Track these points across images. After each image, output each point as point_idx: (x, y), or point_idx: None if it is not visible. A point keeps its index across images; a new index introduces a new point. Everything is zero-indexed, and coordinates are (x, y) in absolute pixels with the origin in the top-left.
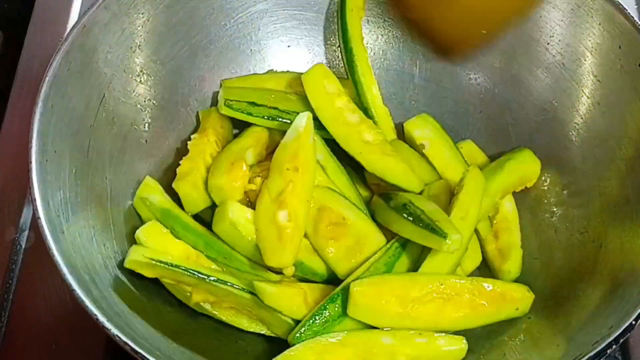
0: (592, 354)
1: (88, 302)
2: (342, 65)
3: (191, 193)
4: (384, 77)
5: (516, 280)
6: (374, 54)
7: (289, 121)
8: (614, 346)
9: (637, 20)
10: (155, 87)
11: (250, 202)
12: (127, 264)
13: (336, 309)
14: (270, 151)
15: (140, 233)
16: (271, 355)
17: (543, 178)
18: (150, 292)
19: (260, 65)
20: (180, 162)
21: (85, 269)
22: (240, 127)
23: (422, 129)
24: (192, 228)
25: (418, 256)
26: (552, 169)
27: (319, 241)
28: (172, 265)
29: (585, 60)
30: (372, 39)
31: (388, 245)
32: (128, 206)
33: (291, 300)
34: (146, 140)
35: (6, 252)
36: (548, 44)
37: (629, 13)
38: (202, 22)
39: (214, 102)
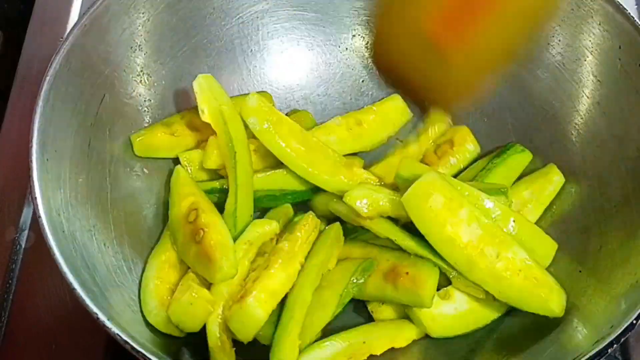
0: (592, 353)
1: (88, 301)
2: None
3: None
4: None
5: None
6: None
7: None
8: (614, 345)
9: (637, 20)
10: (155, 87)
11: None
12: None
13: None
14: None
15: None
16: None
17: None
18: None
19: (260, 65)
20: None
21: (85, 268)
22: None
23: None
24: None
25: None
26: None
27: None
28: None
29: (585, 60)
30: (372, 39)
31: None
32: (128, 206)
33: None
34: None
35: (6, 252)
36: (548, 44)
37: (628, 13)
38: (203, 22)
39: None
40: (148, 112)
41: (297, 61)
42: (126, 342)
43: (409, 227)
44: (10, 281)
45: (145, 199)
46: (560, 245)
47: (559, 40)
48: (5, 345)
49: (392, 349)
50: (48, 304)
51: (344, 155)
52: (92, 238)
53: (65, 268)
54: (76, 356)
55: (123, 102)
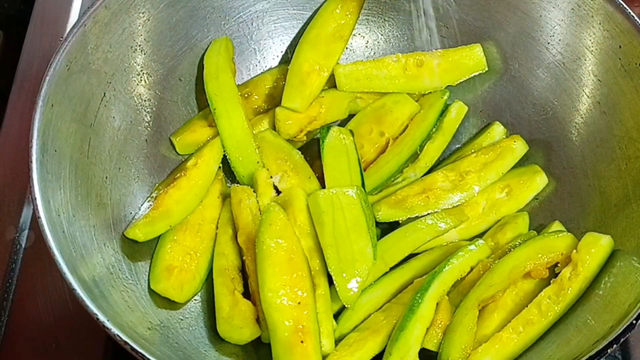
0: (592, 353)
1: (88, 302)
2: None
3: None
4: None
5: None
6: (374, 53)
7: None
8: (614, 345)
9: (637, 20)
10: (155, 87)
11: None
12: None
13: None
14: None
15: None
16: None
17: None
18: (149, 291)
19: (260, 65)
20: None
21: (85, 268)
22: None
23: None
24: None
25: None
26: (552, 169)
27: None
28: None
29: (585, 59)
30: (372, 39)
31: None
32: (128, 206)
33: None
34: (146, 140)
35: (6, 251)
36: (548, 43)
37: (629, 12)
38: (203, 22)
39: None
40: (148, 111)
41: None
42: (126, 342)
43: None
44: (10, 281)
45: (145, 199)
46: None
47: (559, 40)
48: (5, 345)
49: None
50: (48, 304)
51: None
52: (92, 238)
53: (65, 268)
54: (76, 356)
55: (123, 101)
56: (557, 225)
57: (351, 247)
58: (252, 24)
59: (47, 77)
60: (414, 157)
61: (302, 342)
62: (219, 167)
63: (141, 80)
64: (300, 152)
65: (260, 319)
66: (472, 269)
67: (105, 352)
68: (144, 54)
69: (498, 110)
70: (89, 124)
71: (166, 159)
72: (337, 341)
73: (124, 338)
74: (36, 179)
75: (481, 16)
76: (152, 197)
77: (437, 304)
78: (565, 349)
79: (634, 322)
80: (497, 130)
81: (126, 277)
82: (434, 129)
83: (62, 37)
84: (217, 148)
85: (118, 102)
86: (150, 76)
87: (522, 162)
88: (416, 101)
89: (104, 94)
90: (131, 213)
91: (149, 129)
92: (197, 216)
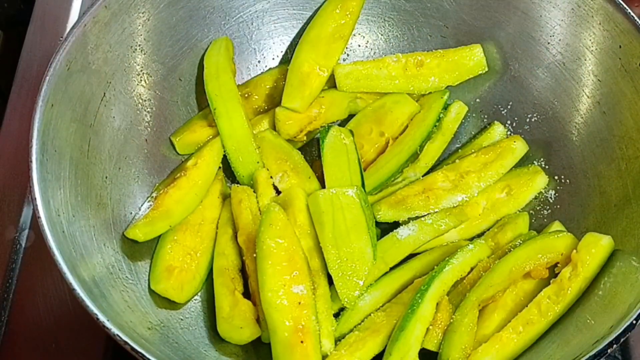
0: (592, 353)
1: (88, 302)
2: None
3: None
4: None
5: None
6: (374, 53)
7: None
8: (614, 345)
9: (637, 19)
10: (155, 87)
11: None
12: None
13: None
14: None
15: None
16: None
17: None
18: (150, 291)
19: (260, 65)
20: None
21: (85, 268)
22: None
23: None
24: None
25: None
26: (552, 169)
27: None
28: None
29: (585, 59)
30: (371, 39)
31: None
32: (128, 206)
33: None
34: (146, 140)
35: (6, 251)
36: (548, 43)
37: (629, 12)
38: (202, 22)
39: None
40: (148, 111)
41: None
42: (126, 342)
43: None
44: (10, 281)
45: (145, 199)
46: None
47: (559, 40)
48: (5, 345)
49: None
50: (48, 304)
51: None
52: (92, 238)
53: (65, 268)
54: (76, 356)
55: (123, 101)
56: (557, 225)
57: (351, 247)
58: (252, 24)
59: (47, 77)
60: (414, 157)
61: (302, 342)
62: (219, 167)
63: (141, 80)
64: (300, 152)
65: (260, 319)
66: (472, 269)
67: (105, 352)
68: (144, 54)
69: (498, 110)
70: (89, 124)
71: (166, 159)
72: (337, 341)
73: (124, 338)
74: (36, 179)
75: (481, 16)
76: (152, 197)
77: (437, 304)
78: (565, 349)
79: (634, 322)
80: (497, 130)
81: (126, 277)
82: (434, 129)
83: (62, 37)
84: (217, 148)
85: (118, 102)
86: (150, 76)
87: (522, 162)
88: (416, 101)
89: (104, 94)
90: (131, 213)
91: (149, 129)
92: (197, 216)
